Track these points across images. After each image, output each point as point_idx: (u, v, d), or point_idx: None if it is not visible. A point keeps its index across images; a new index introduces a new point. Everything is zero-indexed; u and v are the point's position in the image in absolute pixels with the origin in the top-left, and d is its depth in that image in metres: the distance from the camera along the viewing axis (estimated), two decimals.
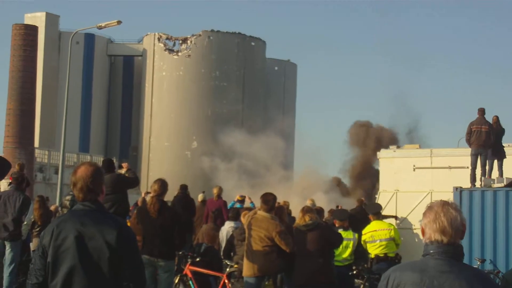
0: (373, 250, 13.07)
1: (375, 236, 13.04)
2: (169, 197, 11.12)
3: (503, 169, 18.52)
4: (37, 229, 14.57)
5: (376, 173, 24.42)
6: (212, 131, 57.03)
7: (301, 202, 22.89)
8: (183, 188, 16.83)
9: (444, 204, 3.91)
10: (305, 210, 10.44)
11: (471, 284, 3.72)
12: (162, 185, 10.38)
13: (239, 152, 49.43)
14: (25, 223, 12.16)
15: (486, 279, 3.87)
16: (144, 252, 9.86)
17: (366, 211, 16.06)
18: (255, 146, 48.57)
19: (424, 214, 3.95)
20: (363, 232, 13.42)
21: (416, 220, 19.99)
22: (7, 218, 12.07)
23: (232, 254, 12.89)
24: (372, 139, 51.30)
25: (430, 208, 3.93)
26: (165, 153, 75.36)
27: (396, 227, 14.77)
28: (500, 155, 18.62)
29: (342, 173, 54.35)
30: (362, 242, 13.27)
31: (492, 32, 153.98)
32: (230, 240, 13.14)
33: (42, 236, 4.74)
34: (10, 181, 12.68)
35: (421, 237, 4.02)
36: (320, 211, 14.56)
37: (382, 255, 12.93)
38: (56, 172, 58.77)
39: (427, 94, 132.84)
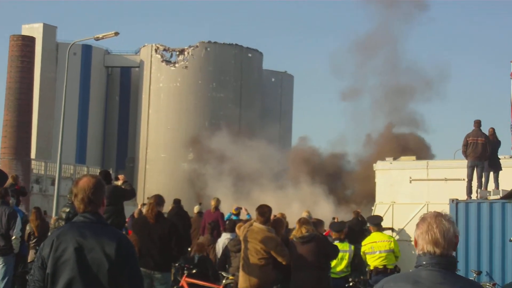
0: (373, 261, 12.95)
1: (375, 248, 12.93)
2: (164, 210, 11.13)
3: (499, 181, 18.55)
4: (34, 240, 14.55)
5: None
6: (209, 142, 57.04)
7: (303, 210, 22.88)
8: (177, 202, 16.87)
9: (437, 215, 3.91)
10: (302, 222, 10.44)
11: None
12: (159, 197, 10.47)
13: (236, 162, 49.42)
14: (14, 237, 12.11)
15: None
16: (140, 264, 9.85)
17: (367, 222, 15.95)
18: (251, 157, 48.57)
19: (417, 225, 3.95)
20: (363, 243, 13.29)
21: (412, 232, 19.93)
22: None
23: (227, 266, 12.88)
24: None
25: (423, 219, 3.93)
26: (162, 164, 75.29)
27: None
28: (496, 167, 18.65)
29: None
30: (361, 253, 13.16)
31: (488, 42, 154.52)
32: (225, 252, 13.13)
33: (41, 247, 4.76)
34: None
35: None
36: (317, 223, 14.38)
37: (381, 266, 12.81)
38: (53, 184, 58.54)
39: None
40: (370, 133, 49.27)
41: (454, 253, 3.92)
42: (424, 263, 3.84)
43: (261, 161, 48.65)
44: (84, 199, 4.75)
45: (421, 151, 36.36)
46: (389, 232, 18.54)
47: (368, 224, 14.23)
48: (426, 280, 3.77)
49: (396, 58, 50.22)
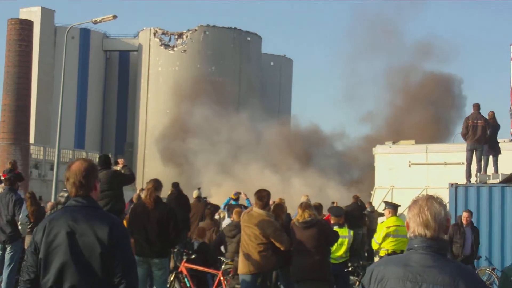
0: (392, 245, 12.26)
1: (399, 231, 12.19)
2: (163, 195, 11.08)
3: (498, 165, 18.52)
4: (29, 225, 14.51)
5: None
6: (203, 122, 56.87)
7: (312, 194, 22.83)
8: (176, 186, 16.80)
9: (429, 198, 3.91)
10: (304, 206, 10.31)
11: (454, 279, 3.69)
12: (156, 182, 10.41)
13: (235, 147, 49.39)
14: (20, 223, 12.08)
15: (470, 274, 3.82)
16: (138, 250, 9.84)
17: (385, 205, 15.18)
18: (251, 142, 48.55)
19: (409, 208, 3.94)
20: (387, 224, 12.52)
21: None
22: (2, 221, 12.02)
23: (222, 250, 12.86)
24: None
25: (414, 202, 3.93)
26: None
27: None
28: (496, 151, 18.62)
29: None
30: (383, 234, 12.45)
31: (488, 25, 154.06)
32: (220, 237, 13.11)
33: (34, 232, 4.73)
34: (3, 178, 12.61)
35: None
36: (318, 207, 14.05)
37: (398, 251, 12.10)
38: (52, 169, 58.62)
39: None
40: (372, 112, 49.26)
41: (445, 237, 3.90)
42: (415, 246, 3.84)
43: (261, 145, 48.62)
44: (75, 183, 4.73)
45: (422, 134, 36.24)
46: None
47: (385, 207, 13.37)
48: (417, 263, 3.77)
49: (400, 38, 50.08)
